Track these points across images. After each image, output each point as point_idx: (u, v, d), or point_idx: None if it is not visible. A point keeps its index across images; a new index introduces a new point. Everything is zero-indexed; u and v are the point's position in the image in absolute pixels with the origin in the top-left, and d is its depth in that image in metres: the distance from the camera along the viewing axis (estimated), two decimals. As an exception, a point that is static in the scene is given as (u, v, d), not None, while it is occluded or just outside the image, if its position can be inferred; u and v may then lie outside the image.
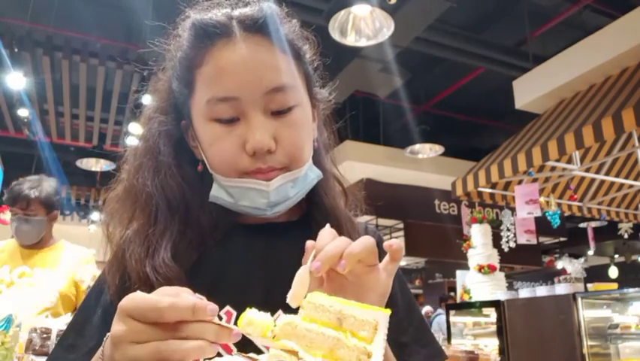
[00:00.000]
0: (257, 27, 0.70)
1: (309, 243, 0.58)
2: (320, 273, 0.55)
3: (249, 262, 0.74)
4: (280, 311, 0.53)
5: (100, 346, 0.55)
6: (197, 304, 0.46)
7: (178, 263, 0.69)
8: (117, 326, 0.47)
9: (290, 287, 0.62)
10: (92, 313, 0.72)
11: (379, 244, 0.85)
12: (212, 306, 0.47)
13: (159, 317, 0.45)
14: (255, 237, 0.76)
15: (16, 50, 4.80)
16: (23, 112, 5.84)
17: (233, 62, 0.68)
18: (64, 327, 1.56)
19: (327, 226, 0.60)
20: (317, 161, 0.79)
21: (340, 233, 0.76)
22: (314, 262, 0.55)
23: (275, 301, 0.67)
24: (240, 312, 0.67)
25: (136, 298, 0.47)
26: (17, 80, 4.89)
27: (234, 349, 0.66)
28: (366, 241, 0.56)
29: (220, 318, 0.66)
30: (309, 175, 0.75)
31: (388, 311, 0.50)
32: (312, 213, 0.79)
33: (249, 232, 0.76)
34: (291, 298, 0.55)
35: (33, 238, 2.25)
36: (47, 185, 2.26)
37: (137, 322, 0.46)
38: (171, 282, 0.66)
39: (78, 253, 2.36)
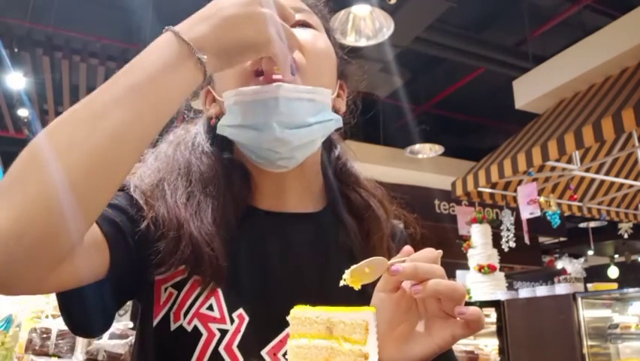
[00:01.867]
0: None
1: (407, 248, 0.57)
2: (394, 275, 0.53)
3: (265, 255, 0.70)
4: None
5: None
6: None
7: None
8: None
9: (303, 291, 0.62)
10: None
11: (405, 242, 0.85)
12: None
13: None
14: (270, 226, 0.72)
15: (16, 50, 4.80)
16: (23, 112, 5.84)
17: None
18: (64, 327, 1.56)
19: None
20: (344, 154, 0.80)
21: (365, 230, 0.74)
22: (397, 264, 0.53)
23: (288, 303, 0.62)
24: (253, 314, 0.64)
25: None
26: (17, 80, 4.89)
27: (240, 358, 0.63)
28: (457, 287, 0.53)
29: (232, 320, 0.63)
30: (327, 114, 0.69)
31: (374, 309, 0.50)
32: (336, 207, 0.76)
33: (264, 219, 0.72)
34: (349, 273, 0.54)
35: None
36: None
37: None
38: (216, 252, 0.63)
39: None
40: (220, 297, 0.63)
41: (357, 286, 0.54)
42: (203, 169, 0.71)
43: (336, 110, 0.74)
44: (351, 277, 0.54)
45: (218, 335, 0.62)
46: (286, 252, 0.70)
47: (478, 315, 0.53)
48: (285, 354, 0.62)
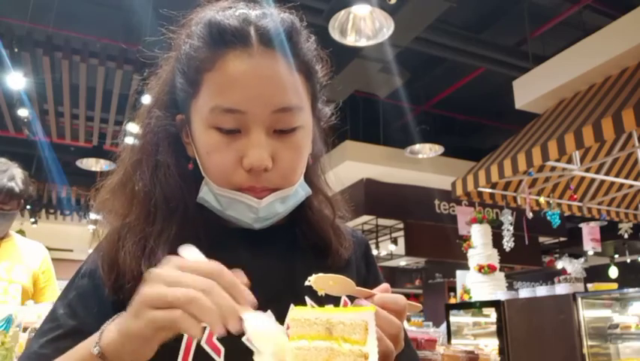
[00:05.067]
0: (274, 42, 0.68)
1: (385, 285, 0.63)
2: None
3: (235, 259, 0.70)
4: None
5: (79, 327, 0.60)
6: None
7: None
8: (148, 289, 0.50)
9: (275, 293, 0.65)
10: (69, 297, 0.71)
11: (367, 250, 0.89)
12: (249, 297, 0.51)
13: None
14: (241, 242, 0.75)
15: (16, 50, 4.80)
16: (23, 112, 5.84)
17: (245, 74, 0.66)
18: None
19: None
20: (306, 173, 0.79)
21: (326, 240, 0.79)
22: (361, 300, 0.59)
23: (260, 305, 0.68)
24: None
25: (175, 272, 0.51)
26: (17, 80, 4.89)
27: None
28: (398, 325, 0.58)
29: None
30: (299, 192, 0.76)
31: (374, 309, 0.50)
32: (298, 220, 0.80)
33: (235, 236, 0.75)
34: (314, 278, 0.58)
35: (3, 233, 2.13)
36: (19, 172, 2.09)
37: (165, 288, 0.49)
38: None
39: (37, 249, 2.28)
40: None
41: (320, 291, 0.60)
42: (166, 194, 0.73)
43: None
44: (315, 282, 0.58)
45: None
46: (255, 256, 0.75)
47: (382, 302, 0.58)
48: None
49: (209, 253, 0.71)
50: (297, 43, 0.71)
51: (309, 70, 0.73)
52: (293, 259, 0.77)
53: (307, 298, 0.73)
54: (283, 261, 0.76)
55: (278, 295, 0.70)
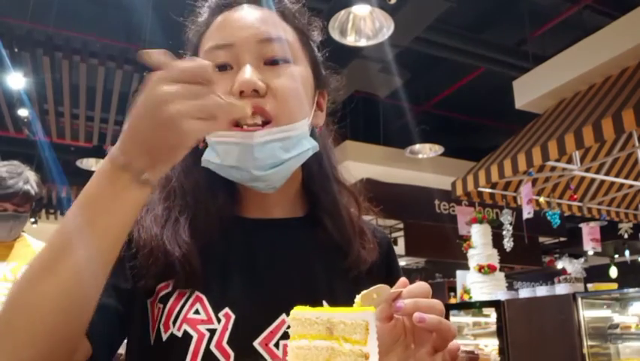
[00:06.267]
0: (261, 2, 0.75)
1: (403, 280, 0.59)
2: (397, 312, 0.56)
3: (250, 257, 0.72)
4: None
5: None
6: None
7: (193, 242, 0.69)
8: (164, 88, 0.50)
9: (290, 296, 0.63)
10: None
11: (389, 250, 0.87)
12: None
13: (203, 74, 0.51)
14: (256, 232, 0.74)
15: (16, 50, 4.80)
16: (23, 112, 5.85)
17: (232, 17, 0.73)
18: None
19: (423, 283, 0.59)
20: (322, 165, 0.79)
21: (344, 233, 0.77)
22: (400, 301, 0.55)
23: (275, 297, 0.68)
24: (240, 311, 0.67)
25: (178, 65, 0.51)
26: (17, 80, 4.90)
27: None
28: (451, 327, 0.55)
29: (219, 320, 0.66)
30: (304, 143, 0.71)
31: (374, 309, 0.50)
32: (315, 211, 0.79)
33: (250, 226, 0.75)
34: (359, 298, 0.56)
35: (17, 234, 2.14)
36: (32, 175, 2.12)
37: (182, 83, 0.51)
38: (187, 258, 0.66)
39: None
40: (205, 301, 0.66)
41: None
42: (183, 182, 0.74)
43: (314, 127, 0.77)
44: (362, 302, 0.55)
45: (207, 334, 0.64)
46: (271, 254, 0.73)
47: (447, 328, 0.55)
48: (277, 344, 0.65)
49: (224, 243, 0.71)
50: (284, 6, 0.77)
51: (299, 28, 0.77)
52: (312, 258, 0.75)
53: (325, 303, 0.70)
54: (301, 260, 0.74)
55: (292, 297, 0.65)
